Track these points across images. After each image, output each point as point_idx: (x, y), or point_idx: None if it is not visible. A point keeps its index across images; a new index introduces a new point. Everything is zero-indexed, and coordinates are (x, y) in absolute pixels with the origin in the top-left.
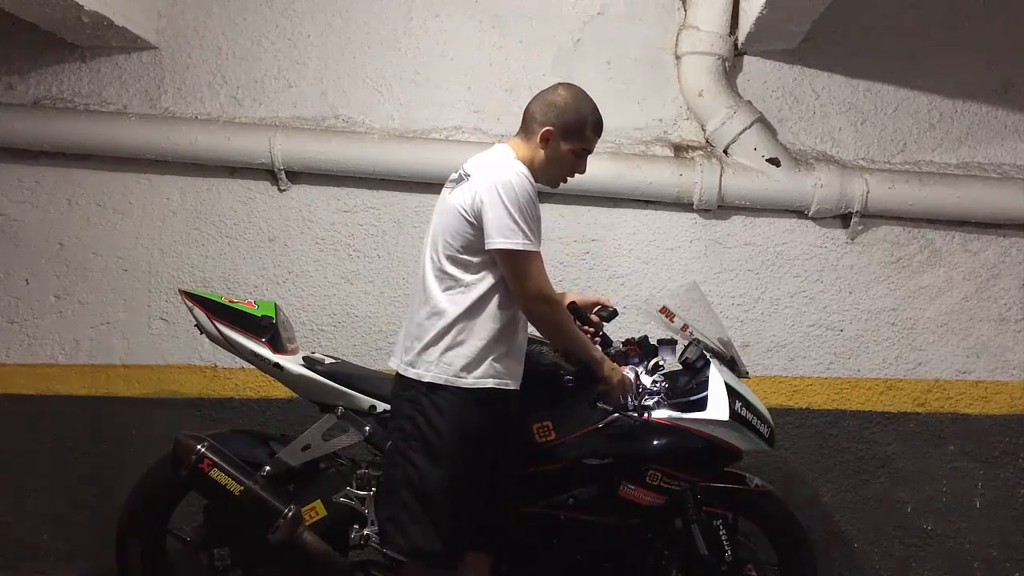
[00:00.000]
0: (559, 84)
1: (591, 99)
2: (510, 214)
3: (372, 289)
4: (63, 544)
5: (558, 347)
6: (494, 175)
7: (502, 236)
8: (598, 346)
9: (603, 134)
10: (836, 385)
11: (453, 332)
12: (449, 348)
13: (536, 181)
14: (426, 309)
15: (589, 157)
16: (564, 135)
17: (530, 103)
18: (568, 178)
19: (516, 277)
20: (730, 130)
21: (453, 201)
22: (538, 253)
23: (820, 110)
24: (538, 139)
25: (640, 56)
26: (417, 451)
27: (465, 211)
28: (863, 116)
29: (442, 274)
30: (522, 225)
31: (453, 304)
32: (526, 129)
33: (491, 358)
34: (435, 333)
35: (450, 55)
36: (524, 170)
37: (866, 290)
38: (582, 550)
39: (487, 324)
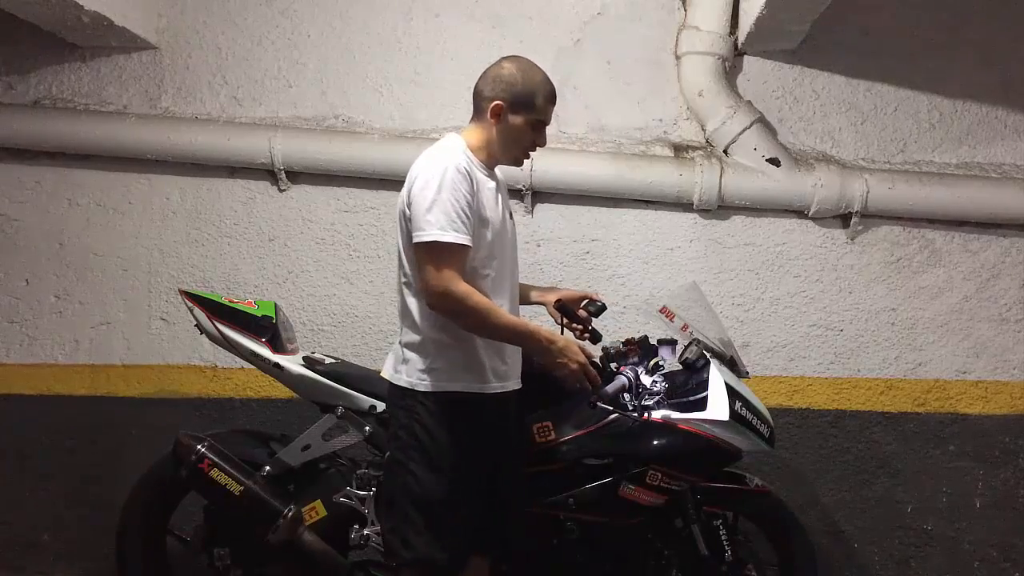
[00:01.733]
0: (503, 58)
1: (540, 69)
2: (423, 206)
3: (372, 289)
4: (63, 544)
5: (488, 338)
6: (419, 166)
7: (416, 231)
8: (587, 340)
9: (603, 134)
10: (836, 385)
11: (433, 336)
12: (437, 354)
13: (499, 162)
14: (404, 315)
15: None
16: (514, 107)
17: (477, 82)
18: (529, 152)
19: (419, 271)
20: (730, 130)
21: (399, 197)
22: (448, 244)
23: (820, 110)
24: (488, 116)
25: (640, 56)
26: (415, 460)
27: (402, 205)
28: (863, 116)
29: (404, 276)
30: (430, 216)
31: (420, 307)
32: (476, 110)
33: (483, 361)
34: (416, 340)
35: (450, 55)
36: (456, 160)
37: (866, 290)
38: (582, 550)
39: (454, 326)
